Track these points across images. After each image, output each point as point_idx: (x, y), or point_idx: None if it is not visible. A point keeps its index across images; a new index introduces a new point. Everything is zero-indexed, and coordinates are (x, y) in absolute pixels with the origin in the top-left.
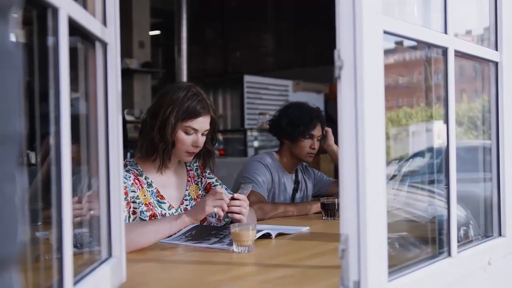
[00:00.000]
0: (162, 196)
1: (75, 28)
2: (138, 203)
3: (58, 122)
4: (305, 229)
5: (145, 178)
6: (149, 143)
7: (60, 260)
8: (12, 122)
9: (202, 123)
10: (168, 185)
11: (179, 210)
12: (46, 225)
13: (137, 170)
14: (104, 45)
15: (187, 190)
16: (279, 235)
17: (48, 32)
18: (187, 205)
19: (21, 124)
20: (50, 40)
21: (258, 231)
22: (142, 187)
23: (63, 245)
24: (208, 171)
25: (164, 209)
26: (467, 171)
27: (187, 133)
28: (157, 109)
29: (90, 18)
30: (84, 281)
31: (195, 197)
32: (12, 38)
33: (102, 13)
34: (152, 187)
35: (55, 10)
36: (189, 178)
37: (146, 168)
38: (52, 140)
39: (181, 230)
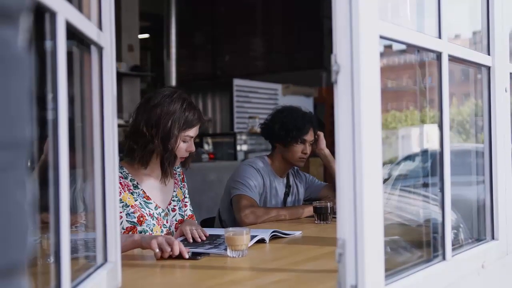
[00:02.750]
0: (148, 196)
1: (71, 32)
2: (122, 206)
3: (56, 126)
4: (298, 233)
5: (130, 180)
6: (149, 154)
7: (58, 265)
8: (22, 128)
9: (197, 130)
10: (156, 186)
11: (166, 210)
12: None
13: (121, 173)
14: (100, 49)
15: (175, 191)
16: (274, 238)
17: (46, 36)
18: (174, 206)
19: (30, 130)
20: (48, 44)
21: (252, 236)
22: (125, 190)
23: (60, 250)
24: (184, 182)
25: (151, 209)
26: (456, 175)
27: (184, 141)
28: (155, 120)
29: (86, 22)
30: (80, 287)
31: (181, 199)
32: (22, 43)
33: (98, 17)
34: (139, 188)
35: (53, 14)
36: (176, 181)
37: (133, 171)
38: (49, 144)
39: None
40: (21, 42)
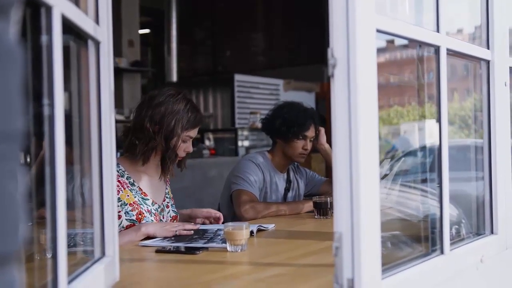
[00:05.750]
0: (145, 193)
1: (68, 27)
2: (121, 205)
3: (52, 122)
4: (271, 226)
5: (126, 178)
6: (150, 150)
7: (54, 260)
8: (14, 120)
9: (196, 131)
10: (150, 184)
11: (162, 206)
12: (37, 225)
13: (118, 171)
14: (97, 43)
15: (167, 188)
16: (274, 233)
17: (42, 30)
18: (168, 202)
19: (22, 122)
20: (44, 39)
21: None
22: (124, 188)
23: (57, 245)
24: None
25: (149, 205)
26: (457, 170)
27: (184, 141)
28: (159, 118)
29: (83, 17)
30: (78, 280)
31: (171, 196)
32: (13, 36)
33: (95, 11)
34: (135, 186)
35: (48, 9)
36: (167, 179)
37: (129, 168)
38: (46, 140)
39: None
40: (12, 34)
